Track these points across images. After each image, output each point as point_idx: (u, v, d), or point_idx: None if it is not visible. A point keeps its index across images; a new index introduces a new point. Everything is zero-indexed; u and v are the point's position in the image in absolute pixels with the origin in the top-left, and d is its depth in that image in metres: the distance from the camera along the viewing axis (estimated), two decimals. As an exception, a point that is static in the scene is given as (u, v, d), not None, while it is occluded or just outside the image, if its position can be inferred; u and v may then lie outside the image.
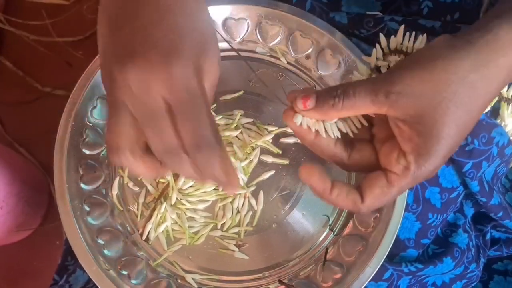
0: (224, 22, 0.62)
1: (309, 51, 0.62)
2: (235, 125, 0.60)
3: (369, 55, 0.54)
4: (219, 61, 0.45)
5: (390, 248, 0.59)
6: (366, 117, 0.46)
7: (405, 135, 0.42)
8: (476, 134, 0.56)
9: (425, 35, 0.51)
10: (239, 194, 0.59)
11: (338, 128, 0.45)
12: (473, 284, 0.65)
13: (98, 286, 0.54)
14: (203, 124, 0.40)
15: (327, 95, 0.43)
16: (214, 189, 0.59)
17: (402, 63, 0.43)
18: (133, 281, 0.55)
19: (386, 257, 0.59)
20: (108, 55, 0.42)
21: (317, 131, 0.45)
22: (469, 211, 0.64)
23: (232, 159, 0.58)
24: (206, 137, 0.40)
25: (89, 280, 0.61)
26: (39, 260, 1.07)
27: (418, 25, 0.62)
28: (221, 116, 0.61)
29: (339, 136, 0.46)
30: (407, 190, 0.56)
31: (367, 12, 0.65)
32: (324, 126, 0.45)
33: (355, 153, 0.46)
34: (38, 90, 1.12)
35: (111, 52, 0.42)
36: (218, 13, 0.62)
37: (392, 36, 0.53)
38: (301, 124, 0.44)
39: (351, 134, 0.46)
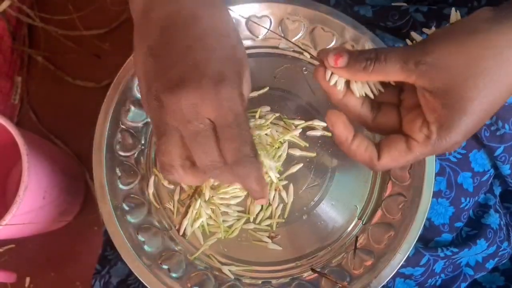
0: (247, 21, 0.63)
1: (331, 44, 0.62)
2: (267, 124, 0.61)
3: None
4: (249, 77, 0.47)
5: (426, 234, 0.60)
6: (398, 82, 0.46)
7: (430, 105, 0.42)
8: (506, 119, 0.56)
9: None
10: (271, 186, 0.60)
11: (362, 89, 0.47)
12: (503, 261, 0.66)
13: (142, 281, 0.56)
14: (244, 142, 0.43)
15: (359, 57, 0.44)
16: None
17: (439, 33, 0.43)
18: (173, 275, 0.58)
19: (422, 243, 0.61)
20: (153, 82, 0.44)
21: (345, 90, 0.46)
22: (497, 189, 0.64)
23: (266, 160, 0.59)
24: (246, 154, 0.43)
25: (130, 273, 0.64)
26: (80, 245, 1.10)
27: (444, 15, 0.61)
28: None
29: (363, 95, 0.47)
30: (434, 173, 0.56)
31: (392, 4, 0.64)
32: (352, 84, 0.46)
33: (381, 116, 0.47)
34: (69, 83, 1.14)
35: (156, 79, 0.44)
36: (241, 12, 0.62)
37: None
38: (329, 81, 0.46)
39: (371, 95, 0.47)
